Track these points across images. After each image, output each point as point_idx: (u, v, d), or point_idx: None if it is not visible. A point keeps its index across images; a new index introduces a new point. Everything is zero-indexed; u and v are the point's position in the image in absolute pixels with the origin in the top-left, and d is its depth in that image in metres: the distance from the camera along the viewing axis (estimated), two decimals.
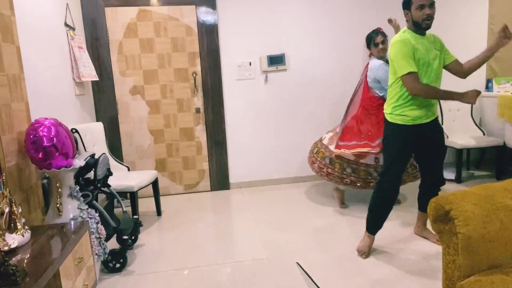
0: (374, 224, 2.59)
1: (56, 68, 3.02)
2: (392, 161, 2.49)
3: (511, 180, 1.66)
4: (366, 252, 2.57)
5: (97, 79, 3.71)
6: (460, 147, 4.01)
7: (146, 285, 2.38)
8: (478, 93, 2.25)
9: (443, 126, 4.30)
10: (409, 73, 2.28)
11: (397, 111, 2.42)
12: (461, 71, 2.47)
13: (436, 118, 2.50)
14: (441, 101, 4.33)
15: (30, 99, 2.33)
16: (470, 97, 2.26)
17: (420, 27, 2.32)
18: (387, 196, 2.52)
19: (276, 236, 2.98)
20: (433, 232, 2.63)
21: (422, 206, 2.73)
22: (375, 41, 3.28)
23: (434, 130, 2.50)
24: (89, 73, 3.57)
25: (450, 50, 2.48)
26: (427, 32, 2.41)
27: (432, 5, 2.28)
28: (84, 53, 3.61)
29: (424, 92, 2.31)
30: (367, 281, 2.28)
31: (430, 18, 2.28)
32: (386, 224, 3.07)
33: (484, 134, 4.26)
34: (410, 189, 4.09)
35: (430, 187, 2.63)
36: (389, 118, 2.48)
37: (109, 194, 2.80)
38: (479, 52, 2.42)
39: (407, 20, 2.37)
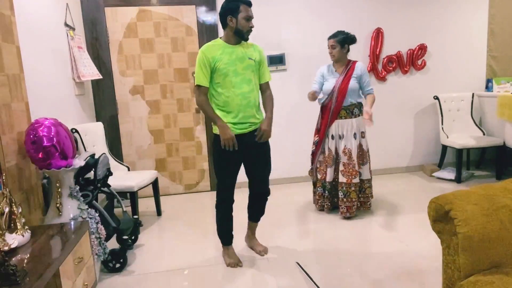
0: (226, 236, 2.62)
1: (56, 68, 3.02)
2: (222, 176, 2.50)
3: (511, 180, 1.66)
4: (236, 261, 2.56)
5: (100, 77, 3.70)
6: (460, 147, 4.01)
7: (146, 285, 2.38)
8: (232, 141, 2.31)
9: (443, 126, 4.32)
10: (197, 85, 2.34)
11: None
12: (262, 95, 2.55)
13: (258, 129, 2.45)
14: (441, 101, 4.34)
15: (30, 99, 2.33)
16: (225, 138, 2.31)
17: (242, 37, 2.36)
18: (225, 209, 2.55)
19: (276, 236, 2.98)
20: (259, 241, 2.74)
21: (250, 216, 2.73)
22: (328, 44, 3.21)
23: (254, 142, 2.44)
24: (90, 72, 3.56)
25: (265, 70, 2.50)
26: (250, 42, 2.45)
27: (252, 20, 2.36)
28: (84, 52, 3.61)
29: (200, 107, 2.41)
30: (367, 281, 2.28)
31: (251, 30, 2.38)
32: (385, 225, 3.08)
33: (484, 134, 4.26)
34: (406, 192, 4.09)
35: (256, 198, 2.63)
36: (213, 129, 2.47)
37: (109, 194, 2.80)
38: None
39: (230, 27, 2.33)
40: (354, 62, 3.22)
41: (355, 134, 3.16)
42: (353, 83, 3.14)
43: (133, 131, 4.12)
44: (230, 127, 2.36)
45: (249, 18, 2.32)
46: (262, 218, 3.09)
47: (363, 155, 3.22)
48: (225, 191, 2.50)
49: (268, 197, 2.66)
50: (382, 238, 2.87)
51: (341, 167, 3.19)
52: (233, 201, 2.55)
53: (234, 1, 2.30)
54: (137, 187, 3.16)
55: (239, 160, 2.48)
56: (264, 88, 2.54)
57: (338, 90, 3.15)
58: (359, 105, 3.21)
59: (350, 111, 3.17)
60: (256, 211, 2.69)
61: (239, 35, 2.35)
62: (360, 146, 3.20)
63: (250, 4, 2.34)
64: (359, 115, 3.18)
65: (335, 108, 3.17)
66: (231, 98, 2.34)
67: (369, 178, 3.27)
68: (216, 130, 2.40)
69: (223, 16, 2.35)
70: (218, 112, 2.38)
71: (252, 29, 2.37)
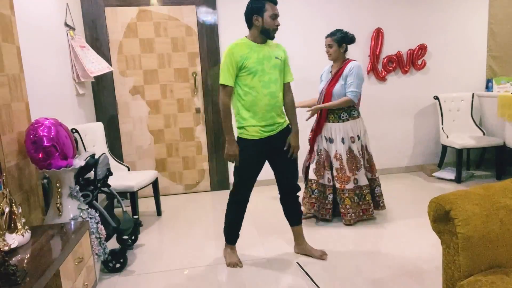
0: (233, 235, 2.61)
1: (56, 68, 3.02)
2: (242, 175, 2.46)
3: (511, 180, 1.66)
4: (236, 261, 2.55)
5: (111, 69, 3.68)
6: (460, 147, 4.01)
7: (146, 285, 2.38)
8: (234, 158, 2.35)
9: (443, 126, 4.32)
10: (222, 85, 2.31)
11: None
12: (284, 98, 2.52)
13: (284, 129, 2.46)
14: (441, 101, 4.34)
15: (30, 99, 2.33)
16: (229, 154, 2.35)
17: (268, 35, 2.34)
18: (238, 209, 2.54)
19: (276, 236, 2.97)
20: (311, 246, 2.63)
21: (291, 221, 2.62)
22: (325, 42, 3.10)
23: (283, 144, 2.45)
24: (99, 67, 3.53)
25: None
26: (274, 41, 2.44)
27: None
28: (88, 50, 3.59)
29: (222, 109, 2.36)
30: (366, 281, 2.28)
31: (278, 29, 2.35)
32: (385, 225, 3.08)
33: (484, 134, 4.26)
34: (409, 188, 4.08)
35: (289, 198, 2.57)
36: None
37: (109, 194, 2.80)
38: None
39: (256, 26, 2.31)
40: (347, 62, 3.02)
41: (343, 139, 3.03)
42: (338, 87, 2.99)
43: (133, 131, 4.12)
44: (258, 130, 2.34)
45: (275, 16, 2.29)
46: (261, 217, 3.10)
47: (355, 161, 3.05)
48: (243, 191, 2.48)
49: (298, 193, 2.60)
50: (382, 238, 2.87)
51: (334, 173, 3.08)
52: (248, 201, 2.53)
53: None
54: (137, 187, 3.16)
55: (263, 161, 2.48)
56: (286, 90, 2.51)
57: (324, 94, 3.06)
58: (348, 110, 3.03)
59: (338, 115, 3.03)
60: (294, 212, 2.59)
61: (266, 34, 2.33)
62: (350, 151, 3.05)
63: (276, 3, 2.31)
64: (348, 120, 3.03)
65: (322, 112, 3.08)
66: (258, 98, 2.31)
67: (367, 183, 3.12)
68: (241, 134, 2.38)
69: (248, 16, 2.32)
70: (244, 114, 2.35)
71: (278, 27, 2.34)
